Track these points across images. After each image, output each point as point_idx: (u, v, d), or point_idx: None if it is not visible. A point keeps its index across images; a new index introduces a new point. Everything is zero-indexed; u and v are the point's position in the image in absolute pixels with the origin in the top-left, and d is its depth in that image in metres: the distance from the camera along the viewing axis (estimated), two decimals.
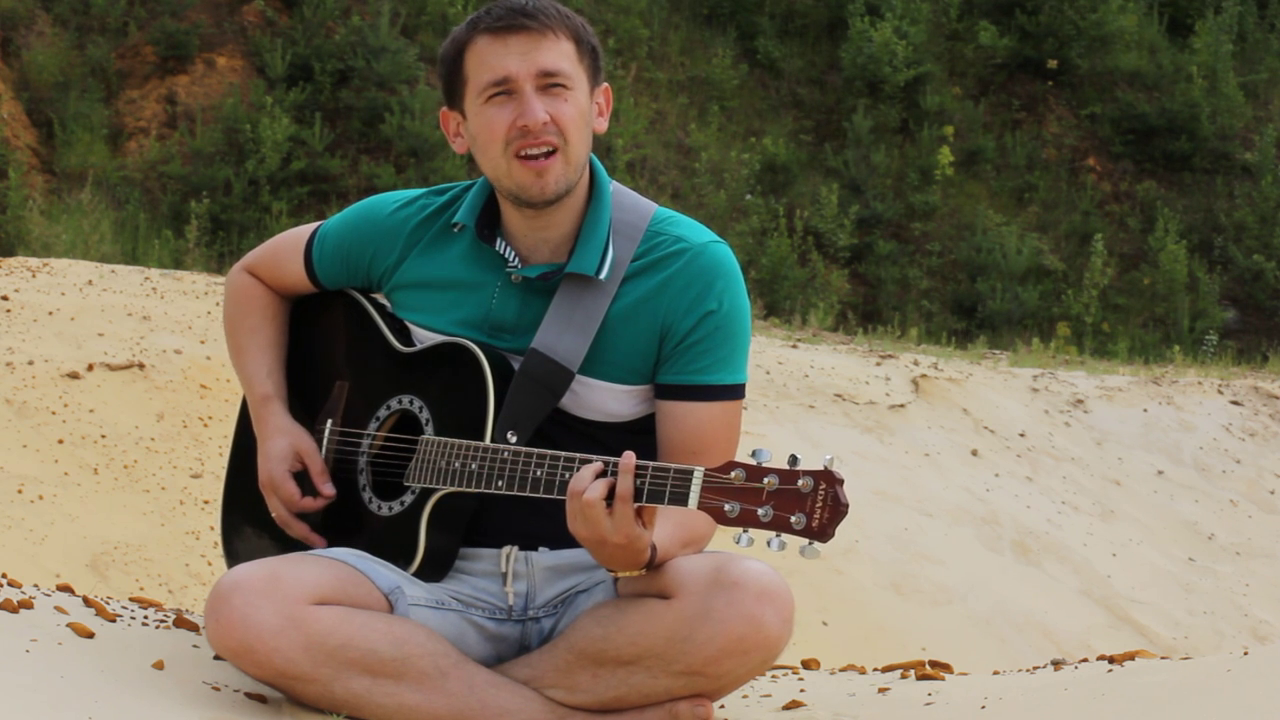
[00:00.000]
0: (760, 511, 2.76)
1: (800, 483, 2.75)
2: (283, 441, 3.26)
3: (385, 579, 3.05)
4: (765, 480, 2.76)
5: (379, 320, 3.28)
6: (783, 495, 2.75)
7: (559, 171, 3.09)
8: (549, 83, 3.09)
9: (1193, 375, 11.20)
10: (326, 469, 3.24)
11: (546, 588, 3.14)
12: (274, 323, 3.39)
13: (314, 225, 3.38)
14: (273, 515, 3.26)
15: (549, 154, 3.08)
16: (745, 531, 2.78)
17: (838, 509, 2.74)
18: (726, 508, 2.78)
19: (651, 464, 2.86)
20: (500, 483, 3.00)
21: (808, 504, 2.74)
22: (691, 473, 2.81)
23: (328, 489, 3.23)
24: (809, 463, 2.76)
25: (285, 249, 3.37)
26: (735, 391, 3.12)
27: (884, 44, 17.22)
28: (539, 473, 2.96)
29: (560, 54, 3.10)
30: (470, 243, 3.20)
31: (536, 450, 2.98)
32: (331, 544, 3.19)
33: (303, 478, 3.25)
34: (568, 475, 2.93)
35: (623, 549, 2.87)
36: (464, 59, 3.14)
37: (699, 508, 2.80)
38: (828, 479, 2.74)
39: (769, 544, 2.76)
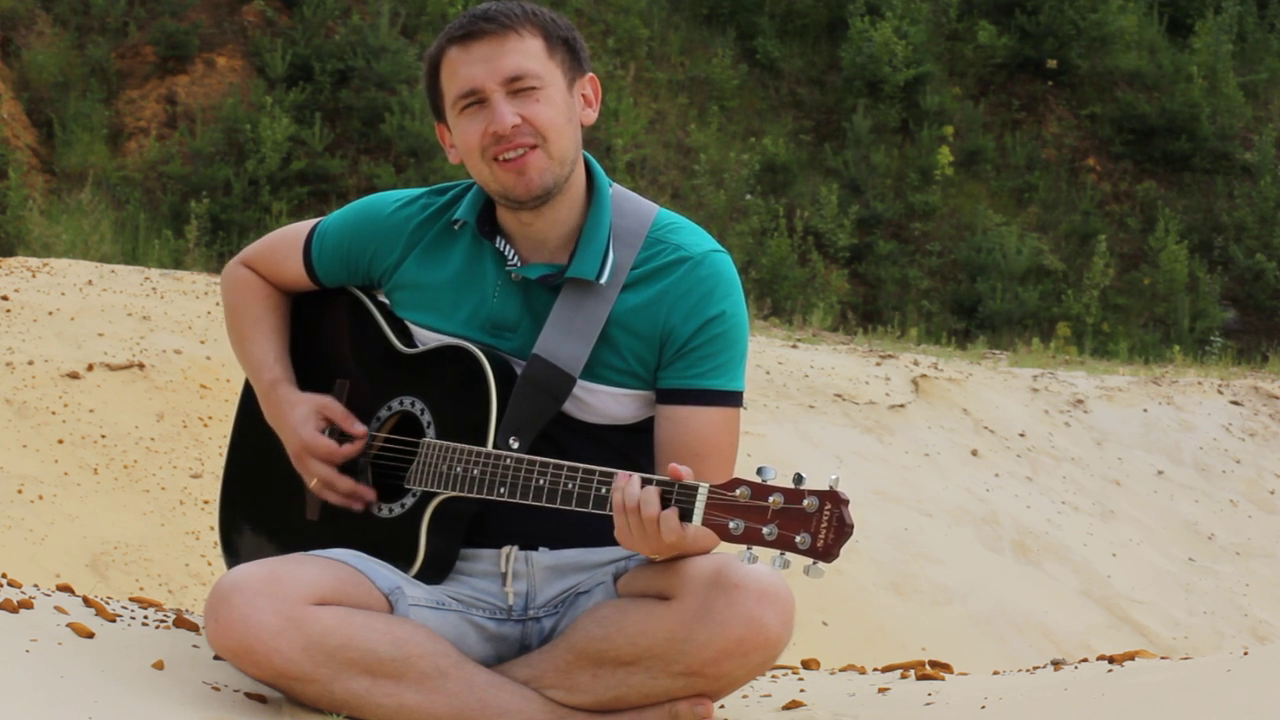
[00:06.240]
0: (765, 530, 2.75)
1: (805, 502, 2.74)
2: (303, 407, 3.23)
3: (385, 579, 3.05)
4: (770, 499, 2.76)
5: (380, 319, 3.28)
6: (788, 514, 2.75)
7: (540, 165, 3.08)
8: (517, 87, 3.07)
9: (1193, 375, 11.19)
10: (350, 414, 3.21)
11: (546, 587, 3.14)
12: (276, 313, 3.38)
13: (312, 222, 3.37)
14: (311, 485, 3.20)
15: (527, 151, 3.07)
16: (749, 549, 2.78)
17: (843, 529, 2.73)
18: (731, 525, 2.78)
19: (656, 478, 2.86)
20: (502, 490, 3.00)
21: (813, 524, 2.74)
22: (696, 489, 2.81)
23: (358, 428, 3.19)
24: (814, 479, 2.76)
25: (284, 245, 3.36)
26: (734, 399, 3.11)
27: (884, 44, 17.21)
28: (541, 481, 2.96)
29: (526, 54, 3.08)
30: (471, 241, 3.19)
31: (539, 459, 2.97)
32: (331, 545, 3.18)
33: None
34: (570, 484, 2.93)
35: (669, 544, 2.86)
36: (439, 73, 3.14)
37: (703, 524, 2.80)
38: (833, 499, 2.74)
39: (773, 562, 2.76)
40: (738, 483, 2.79)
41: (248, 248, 3.45)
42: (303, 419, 3.22)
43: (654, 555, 2.93)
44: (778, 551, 2.75)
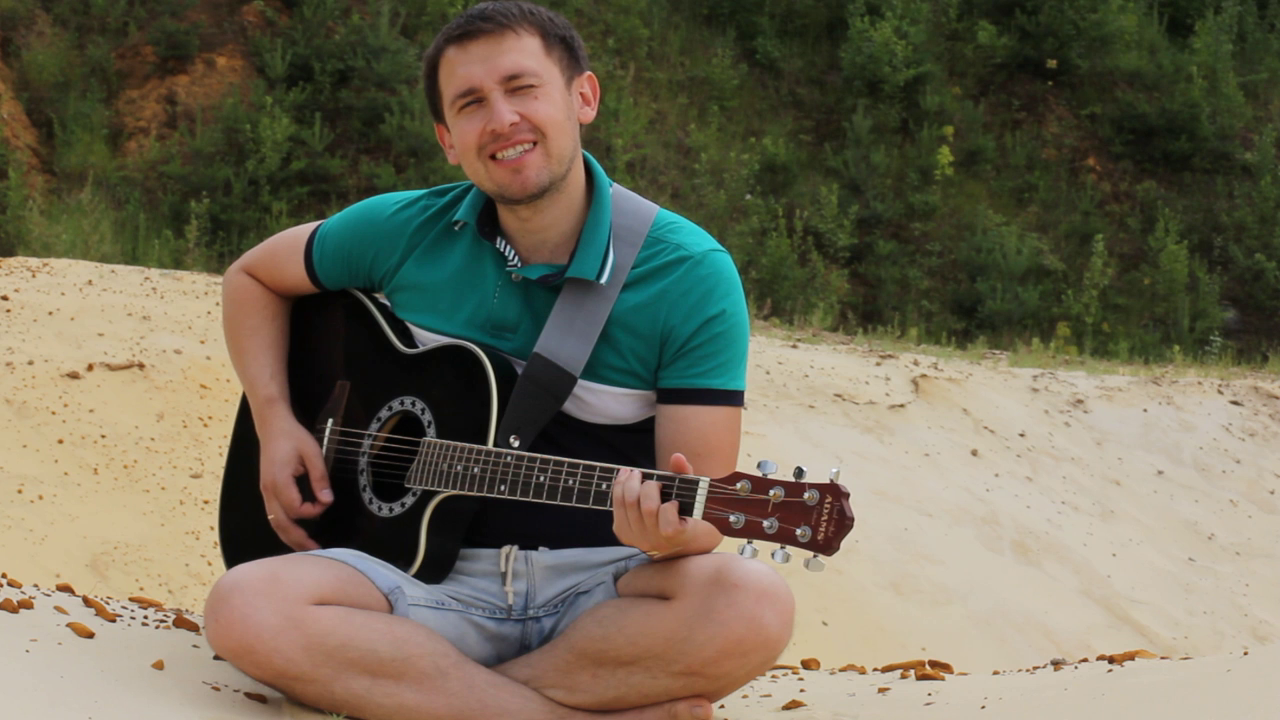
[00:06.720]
0: (765, 524, 2.76)
1: (806, 495, 2.75)
2: (286, 445, 3.25)
3: (385, 579, 3.05)
4: (771, 492, 2.76)
5: (381, 321, 3.28)
6: (788, 508, 2.75)
7: (538, 164, 3.08)
8: (515, 85, 3.08)
9: (1193, 375, 11.20)
10: (326, 475, 3.24)
11: (546, 587, 3.14)
12: (274, 323, 3.38)
13: (312, 225, 3.37)
14: (269, 518, 3.25)
15: (526, 151, 3.07)
16: (750, 543, 2.78)
17: (843, 522, 2.74)
18: (732, 519, 2.78)
19: (657, 472, 2.86)
20: (502, 487, 3.00)
21: (813, 517, 2.74)
22: (697, 483, 2.81)
23: (325, 495, 3.22)
24: (814, 473, 2.76)
25: (284, 249, 3.36)
26: (735, 398, 3.12)
27: (884, 44, 17.21)
28: (541, 478, 2.96)
29: (523, 52, 3.09)
30: (471, 242, 3.20)
31: (539, 455, 2.98)
32: (330, 544, 3.18)
33: (303, 482, 3.25)
34: (570, 480, 2.93)
35: (666, 538, 2.86)
36: (438, 74, 3.15)
37: (704, 518, 2.80)
38: (834, 492, 2.74)
39: (773, 555, 2.76)
40: (738, 476, 2.79)
41: (248, 253, 3.45)
42: (283, 459, 3.24)
43: (653, 551, 2.93)
44: (778, 545, 2.75)
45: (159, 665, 3.06)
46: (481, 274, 3.18)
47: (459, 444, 3.05)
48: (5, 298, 7.65)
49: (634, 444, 3.15)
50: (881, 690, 3.46)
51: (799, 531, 2.74)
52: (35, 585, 3.44)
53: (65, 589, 3.53)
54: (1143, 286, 16.69)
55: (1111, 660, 3.52)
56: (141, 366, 7.21)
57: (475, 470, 3.02)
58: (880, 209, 16.71)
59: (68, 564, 6.20)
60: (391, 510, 3.15)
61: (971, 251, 16.50)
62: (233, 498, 3.43)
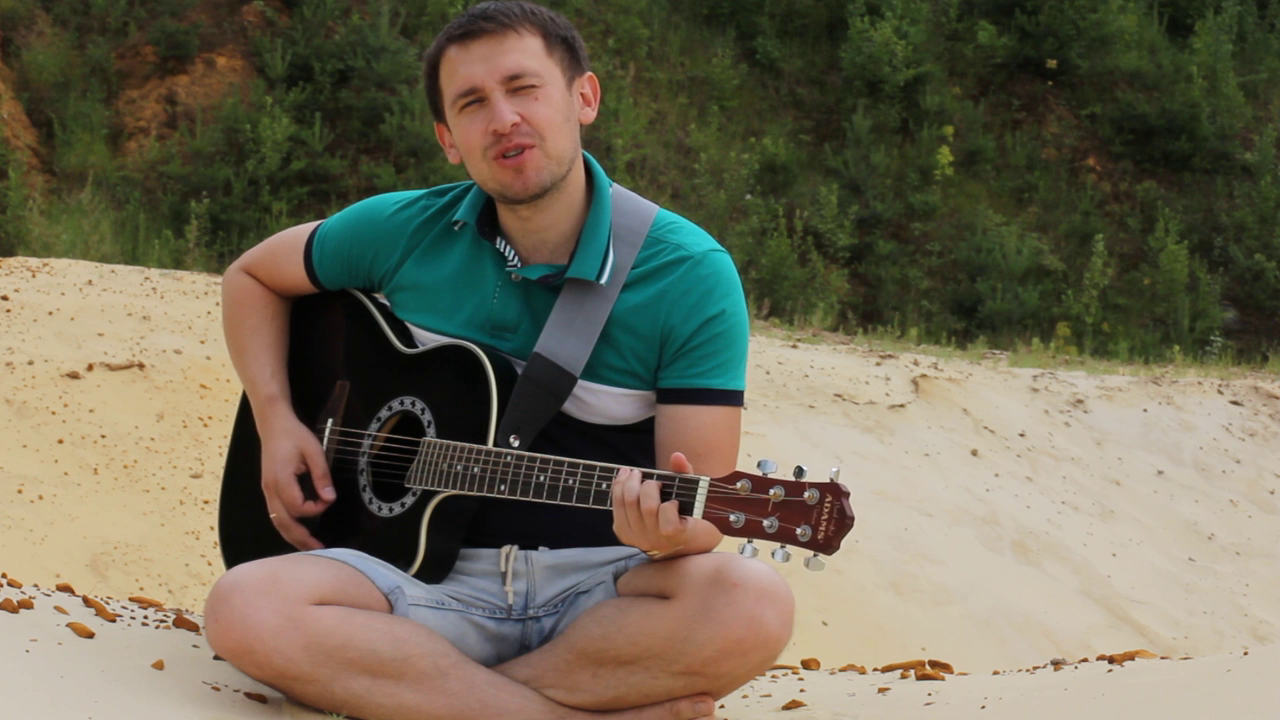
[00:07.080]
0: (765, 523, 2.76)
1: (806, 495, 2.75)
2: (288, 443, 3.25)
3: (385, 579, 3.05)
4: (771, 492, 2.76)
5: (381, 321, 3.28)
6: (788, 507, 2.75)
7: (538, 164, 3.08)
8: (516, 85, 3.08)
9: (1193, 375, 11.19)
10: (328, 472, 3.24)
11: (546, 587, 3.14)
12: (274, 322, 3.38)
13: (312, 225, 3.37)
14: (271, 517, 3.25)
15: (525, 150, 3.07)
16: (750, 542, 2.79)
17: (843, 521, 2.74)
18: (732, 518, 2.78)
19: (657, 472, 2.86)
20: (502, 487, 3.00)
21: (813, 516, 2.74)
22: (697, 482, 2.81)
23: (328, 493, 3.22)
24: (814, 472, 2.76)
25: (284, 249, 3.36)
26: (735, 398, 3.12)
27: (884, 44, 17.21)
28: (542, 478, 2.96)
29: (525, 53, 3.09)
30: (471, 242, 3.20)
31: (539, 455, 2.98)
32: (330, 544, 3.18)
33: (305, 480, 3.25)
34: (570, 480, 2.93)
35: (667, 537, 2.86)
36: (439, 73, 3.15)
37: (704, 517, 2.80)
38: (834, 491, 2.74)
39: (774, 554, 2.76)
40: (738, 476, 2.79)
41: (247, 253, 3.45)
42: (285, 457, 3.24)
43: (653, 551, 2.93)
44: (778, 544, 2.76)
45: (159, 665, 3.06)
46: (481, 274, 3.18)
47: (459, 444, 3.05)
48: (5, 298, 7.65)
49: (634, 444, 3.15)
50: (881, 690, 3.46)
51: (799, 531, 2.74)
52: (35, 585, 3.44)
53: (65, 589, 3.53)
54: (1143, 286, 16.69)
55: (1111, 660, 3.52)
56: (141, 366, 7.21)
57: (475, 470, 3.02)
58: (880, 209, 16.71)
59: (68, 564, 6.20)
60: (391, 510, 3.15)
61: (971, 251, 16.50)
62: (233, 497, 3.43)
